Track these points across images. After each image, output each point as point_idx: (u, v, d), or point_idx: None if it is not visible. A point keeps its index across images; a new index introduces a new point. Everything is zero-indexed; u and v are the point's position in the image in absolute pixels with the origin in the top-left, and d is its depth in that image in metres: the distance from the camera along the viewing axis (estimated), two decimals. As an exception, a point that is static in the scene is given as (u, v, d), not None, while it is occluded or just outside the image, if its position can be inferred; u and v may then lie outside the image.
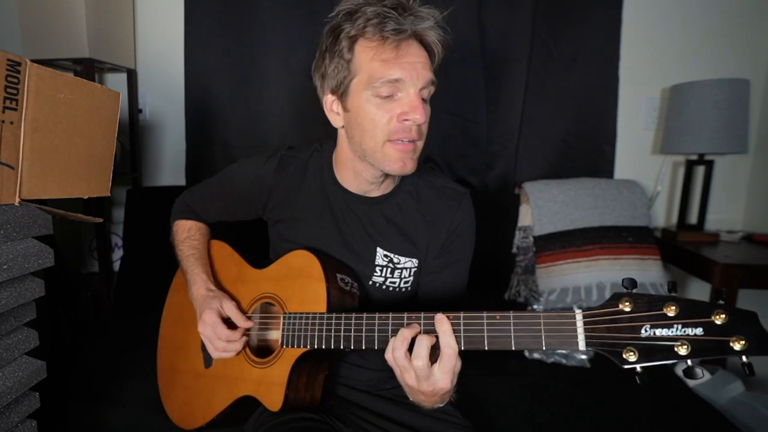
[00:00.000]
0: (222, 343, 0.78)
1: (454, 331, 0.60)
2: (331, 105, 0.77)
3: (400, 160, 0.72)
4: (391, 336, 0.65)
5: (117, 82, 1.68)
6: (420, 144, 0.74)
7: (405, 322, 0.64)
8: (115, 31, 1.51)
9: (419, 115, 0.69)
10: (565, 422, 1.01)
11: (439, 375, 0.60)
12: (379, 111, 0.70)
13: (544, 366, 1.23)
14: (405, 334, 0.61)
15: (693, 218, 1.63)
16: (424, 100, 0.72)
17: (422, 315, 0.63)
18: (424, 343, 0.60)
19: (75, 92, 0.70)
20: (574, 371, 1.19)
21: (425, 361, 0.59)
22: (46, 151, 0.68)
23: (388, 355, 0.63)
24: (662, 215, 1.78)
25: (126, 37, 1.59)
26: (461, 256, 0.85)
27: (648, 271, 1.50)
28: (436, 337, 0.61)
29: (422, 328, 0.63)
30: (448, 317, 0.61)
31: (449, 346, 0.59)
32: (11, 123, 0.63)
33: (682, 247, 1.51)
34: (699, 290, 1.76)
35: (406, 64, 0.68)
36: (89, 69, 1.40)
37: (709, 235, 1.58)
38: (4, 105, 0.61)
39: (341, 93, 0.74)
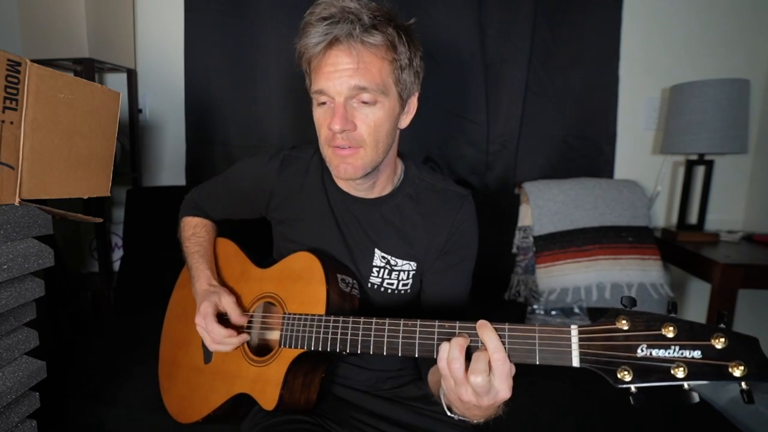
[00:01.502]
0: (217, 336, 0.79)
1: (448, 339, 0.58)
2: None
3: (338, 166, 0.74)
4: (388, 340, 0.64)
5: (117, 82, 1.68)
6: (363, 152, 0.72)
7: (401, 327, 0.63)
8: (115, 31, 1.51)
9: (335, 124, 0.69)
10: (565, 422, 1.01)
11: (498, 385, 0.55)
12: (319, 119, 0.74)
13: (544, 366, 1.23)
14: (461, 343, 0.56)
15: (693, 218, 1.62)
16: (366, 103, 0.70)
17: (418, 322, 0.62)
18: (482, 358, 0.55)
19: (75, 92, 0.70)
20: (574, 371, 1.19)
21: (485, 376, 0.54)
22: (46, 151, 0.68)
23: (442, 363, 0.57)
24: (662, 215, 1.78)
25: (126, 37, 1.59)
26: (463, 259, 0.84)
27: (648, 271, 1.50)
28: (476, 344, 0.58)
29: (418, 334, 0.62)
30: (443, 326, 0.60)
31: (498, 350, 0.55)
32: (11, 123, 0.63)
33: (682, 247, 1.51)
34: (699, 290, 1.76)
35: (326, 73, 0.70)
36: (89, 69, 1.40)
37: (709, 235, 1.58)
38: (4, 105, 0.61)
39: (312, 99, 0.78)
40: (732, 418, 1.04)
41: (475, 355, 0.56)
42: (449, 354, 0.56)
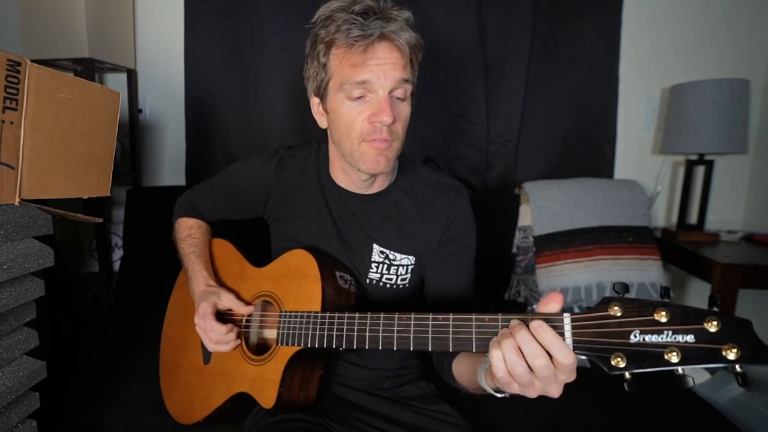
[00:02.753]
0: (216, 335, 0.79)
1: (442, 333, 0.58)
2: (316, 107, 0.80)
3: (374, 159, 0.74)
4: (383, 335, 0.63)
5: (117, 82, 1.68)
6: (395, 144, 0.74)
7: (396, 321, 0.63)
8: (115, 31, 1.51)
9: (386, 117, 0.70)
10: (565, 423, 1.01)
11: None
12: (352, 113, 0.72)
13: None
14: (513, 345, 0.51)
15: (693, 218, 1.62)
16: (400, 98, 0.73)
17: (412, 316, 0.62)
18: (531, 340, 0.50)
19: (75, 92, 0.70)
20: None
21: (547, 358, 0.50)
22: (46, 151, 0.68)
23: (502, 373, 0.51)
24: (662, 215, 1.78)
25: (126, 37, 1.59)
26: (462, 248, 0.85)
27: (648, 271, 1.50)
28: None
29: (412, 327, 0.61)
30: (437, 319, 0.60)
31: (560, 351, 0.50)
32: (11, 123, 0.63)
33: (682, 247, 1.51)
34: (699, 290, 1.76)
35: (373, 66, 0.69)
36: (89, 69, 1.40)
37: (709, 235, 1.58)
38: (4, 105, 0.61)
39: (321, 95, 0.77)
40: (732, 418, 1.04)
41: (525, 342, 0.51)
42: (505, 355, 0.51)
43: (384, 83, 0.70)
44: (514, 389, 0.54)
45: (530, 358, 0.50)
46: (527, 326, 0.52)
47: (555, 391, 0.52)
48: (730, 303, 1.31)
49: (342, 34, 0.69)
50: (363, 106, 0.72)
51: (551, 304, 0.53)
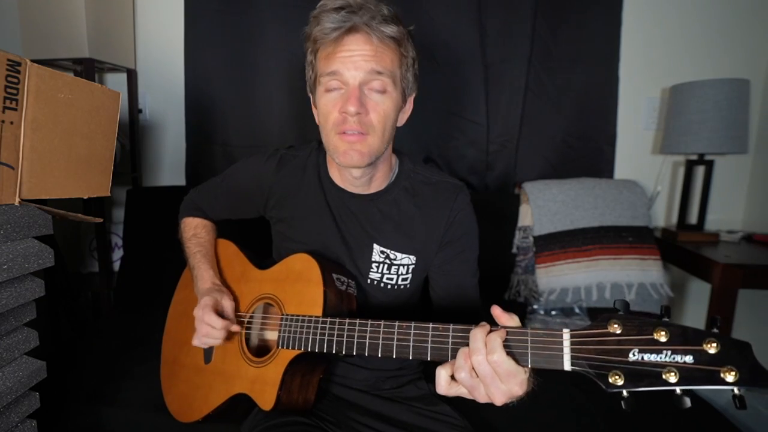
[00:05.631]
0: (205, 328, 0.79)
1: (442, 343, 0.59)
2: (312, 104, 0.82)
3: (345, 152, 0.73)
4: (383, 342, 0.64)
5: (117, 82, 1.69)
6: (371, 139, 0.73)
7: (396, 330, 0.63)
8: (115, 31, 1.51)
9: (351, 106, 0.70)
10: (565, 423, 1.01)
11: (494, 390, 0.55)
12: (327, 105, 0.74)
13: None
14: (479, 335, 0.55)
15: (693, 218, 1.62)
16: (378, 91, 0.73)
17: (412, 324, 0.62)
18: (479, 339, 0.54)
19: (75, 92, 0.70)
20: (574, 371, 1.19)
21: (485, 357, 0.53)
22: (46, 151, 0.68)
23: (462, 365, 0.55)
24: (662, 215, 1.78)
25: (126, 37, 1.59)
26: (466, 247, 0.85)
27: (648, 271, 1.50)
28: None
29: (412, 336, 0.62)
30: (437, 328, 0.60)
31: (476, 352, 0.54)
32: (11, 123, 0.63)
33: (682, 247, 1.51)
34: (699, 290, 1.76)
35: (343, 57, 0.71)
36: (89, 69, 1.40)
37: (709, 235, 1.58)
38: (4, 105, 0.61)
39: (312, 91, 0.80)
40: (732, 418, 1.04)
41: (490, 339, 0.55)
42: (474, 347, 0.54)
43: (354, 74, 0.71)
44: (462, 393, 0.58)
45: (471, 352, 0.54)
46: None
47: (496, 398, 0.55)
48: (730, 303, 1.31)
49: (319, 28, 0.71)
50: (337, 98, 0.73)
51: (503, 319, 0.57)
